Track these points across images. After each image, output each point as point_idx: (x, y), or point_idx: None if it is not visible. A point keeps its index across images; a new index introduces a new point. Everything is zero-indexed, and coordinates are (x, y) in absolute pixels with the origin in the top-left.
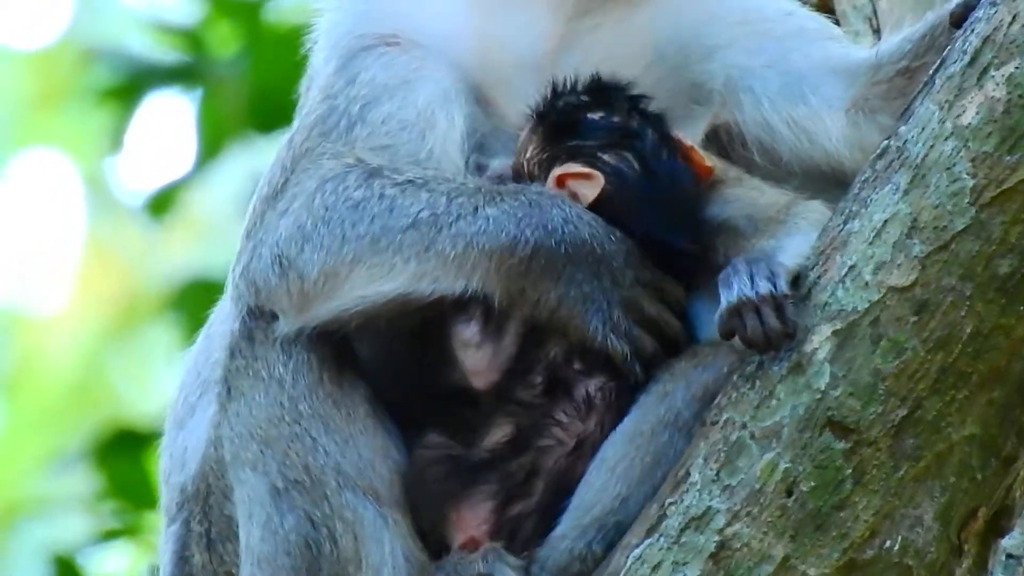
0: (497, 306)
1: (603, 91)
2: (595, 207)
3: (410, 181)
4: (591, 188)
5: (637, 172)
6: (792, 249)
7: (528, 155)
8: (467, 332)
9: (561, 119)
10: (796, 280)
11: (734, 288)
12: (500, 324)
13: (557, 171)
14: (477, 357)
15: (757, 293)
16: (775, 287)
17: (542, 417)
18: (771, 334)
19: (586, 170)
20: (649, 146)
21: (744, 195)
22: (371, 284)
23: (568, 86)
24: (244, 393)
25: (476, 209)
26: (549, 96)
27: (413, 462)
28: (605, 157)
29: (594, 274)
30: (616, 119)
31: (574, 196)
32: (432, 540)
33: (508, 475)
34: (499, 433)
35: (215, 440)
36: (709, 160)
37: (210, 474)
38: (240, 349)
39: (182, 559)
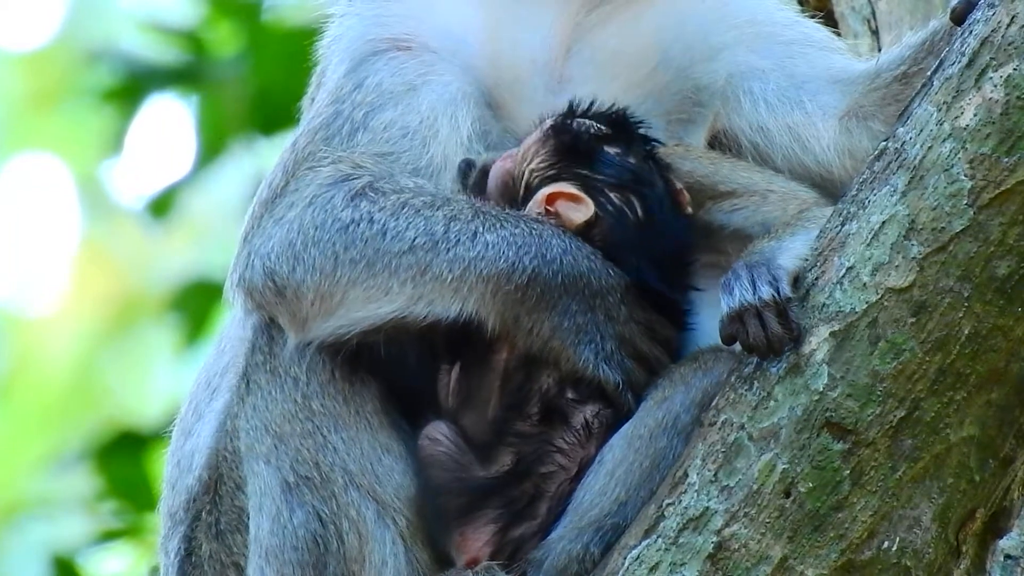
0: (490, 332)
1: (624, 128)
2: (587, 239)
3: (403, 205)
4: (579, 213)
5: (639, 219)
6: (793, 250)
7: (532, 165)
8: (447, 379)
9: (579, 143)
10: (796, 281)
11: (735, 294)
12: (478, 375)
13: (550, 189)
14: (457, 403)
15: (759, 298)
16: (778, 292)
17: (542, 445)
18: (773, 339)
19: (579, 194)
20: (656, 197)
21: (756, 203)
22: (368, 305)
23: (587, 108)
24: (261, 387)
25: (475, 234)
26: (566, 113)
27: (419, 452)
28: (612, 195)
29: (589, 307)
30: (631, 160)
31: (558, 217)
32: (440, 549)
33: (511, 500)
34: (500, 463)
35: (231, 431)
36: (690, 207)
37: (223, 464)
38: (260, 345)
39: (188, 553)
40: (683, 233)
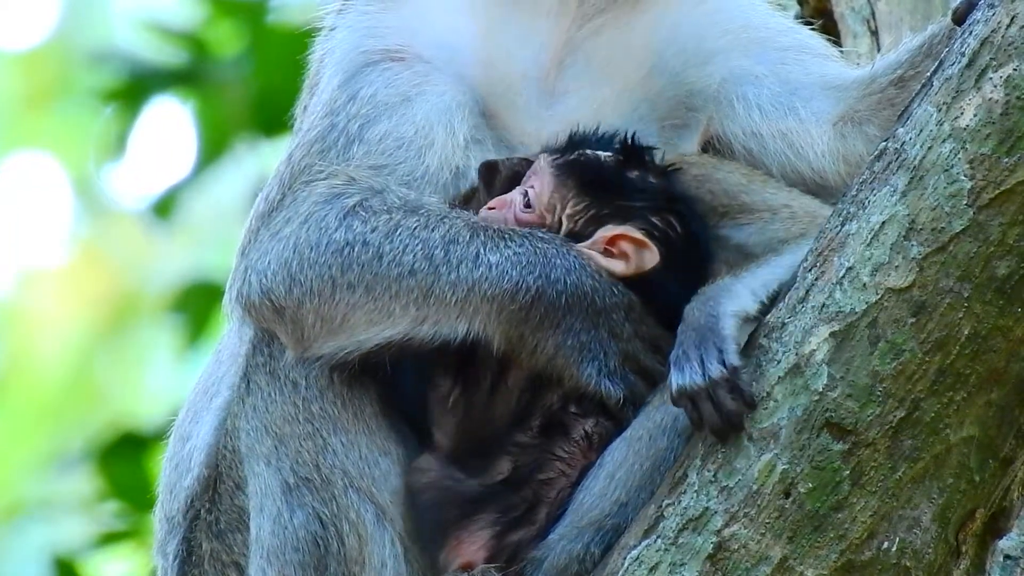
0: (496, 350)
1: (634, 150)
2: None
3: (396, 227)
4: (648, 258)
5: (681, 236)
6: (744, 296)
7: (568, 210)
8: (442, 413)
9: (604, 175)
10: (771, 301)
11: (686, 374)
12: (477, 388)
13: (614, 231)
14: (452, 428)
15: (709, 378)
16: (724, 365)
17: (541, 455)
18: (731, 416)
19: (644, 239)
20: (688, 208)
21: (765, 220)
22: (371, 328)
23: (587, 136)
24: (262, 388)
25: (477, 256)
26: (567, 143)
27: (408, 485)
28: (654, 220)
29: (593, 325)
30: (653, 180)
31: (624, 257)
32: (432, 556)
33: (509, 507)
34: (497, 471)
35: (231, 430)
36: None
37: (222, 463)
38: (261, 348)
39: (188, 554)
40: (709, 236)
